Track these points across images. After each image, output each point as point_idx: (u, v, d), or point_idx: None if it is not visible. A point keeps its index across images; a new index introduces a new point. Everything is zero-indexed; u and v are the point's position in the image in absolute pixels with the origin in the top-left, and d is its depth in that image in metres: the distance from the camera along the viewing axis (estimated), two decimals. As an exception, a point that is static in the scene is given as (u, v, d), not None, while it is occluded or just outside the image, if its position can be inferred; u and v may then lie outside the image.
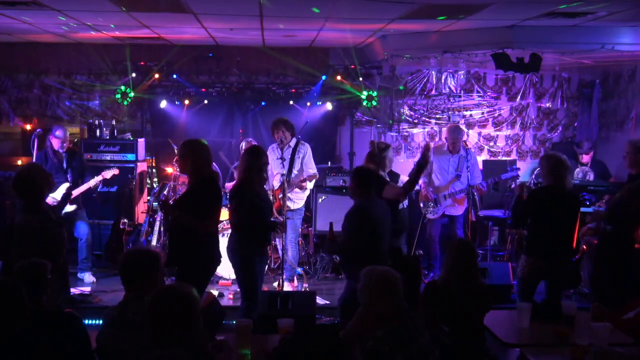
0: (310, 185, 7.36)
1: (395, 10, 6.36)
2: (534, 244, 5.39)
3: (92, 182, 7.19)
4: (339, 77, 8.98)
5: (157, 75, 8.93)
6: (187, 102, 9.13)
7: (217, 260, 5.13)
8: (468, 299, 4.09)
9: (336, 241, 5.29)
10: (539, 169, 5.84)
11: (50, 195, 6.73)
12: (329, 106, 9.18)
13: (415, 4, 6.01)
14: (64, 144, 7.22)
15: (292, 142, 7.22)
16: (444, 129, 9.76)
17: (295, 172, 7.19)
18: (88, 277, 7.34)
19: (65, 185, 7.07)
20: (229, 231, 7.12)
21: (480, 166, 8.68)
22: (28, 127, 9.37)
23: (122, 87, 8.85)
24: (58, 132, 7.21)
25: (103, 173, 7.30)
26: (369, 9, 6.42)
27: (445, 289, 4.18)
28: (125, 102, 8.99)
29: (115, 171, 7.43)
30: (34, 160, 7.13)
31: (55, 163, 7.18)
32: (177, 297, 2.78)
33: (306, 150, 7.30)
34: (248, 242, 5.23)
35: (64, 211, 6.67)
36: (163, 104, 9.20)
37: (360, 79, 8.96)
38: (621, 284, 5.84)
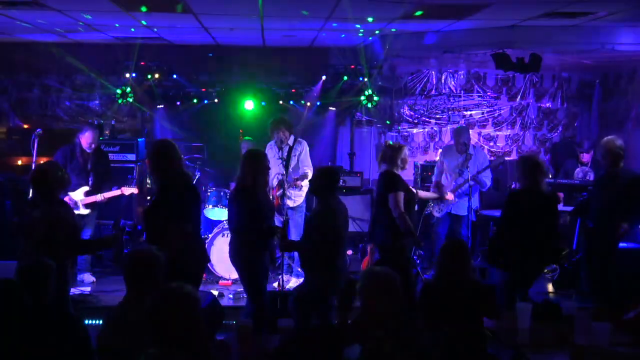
0: (305, 183, 7.34)
1: (395, 10, 6.36)
2: (513, 252, 5.29)
3: (108, 195, 7.14)
4: (345, 78, 8.94)
5: (157, 75, 8.92)
6: (186, 102, 9.14)
7: (204, 262, 5.12)
8: (461, 298, 4.06)
9: (287, 239, 5.36)
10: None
11: (70, 194, 6.78)
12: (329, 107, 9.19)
13: (415, 4, 6.01)
14: (93, 145, 7.18)
15: (290, 141, 7.22)
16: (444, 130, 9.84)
17: (290, 169, 7.19)
18: (88, 277, 7.33)
19: (85, 188, 7.03)
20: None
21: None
22: (27, 127, 9.38)
23: (122, 87, 8.85)
24: (88, 133, 7.14)
25: (123, 189, 7.24)
26: (370, 9, 6.42)
27: (437, 288, 4.17)
28: (125, 102, 8.98)
29: (135, 190, 7.36)
30: (34, 159, 7.09)
31: (80, 163, 7.14)
32: (178, 298, 2.78)
33: (303, 148, 7.29)
34: (248, 247, 5.19)
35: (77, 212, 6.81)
36: (163, 104, 9.19)
37: (363, 79, 8.96)
38: (611, 281, 5.87)
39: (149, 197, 8.35)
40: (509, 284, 5.34)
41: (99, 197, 7.05)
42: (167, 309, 2.73)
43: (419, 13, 6.16)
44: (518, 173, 5.43)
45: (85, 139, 7.10)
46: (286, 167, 7.09)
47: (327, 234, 4.99)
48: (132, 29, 7.79)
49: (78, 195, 6.93)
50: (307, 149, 7.33)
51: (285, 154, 7.14)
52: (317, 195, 5.27)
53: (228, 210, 5.43)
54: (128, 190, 7.25)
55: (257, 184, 5.18)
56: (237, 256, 5.26)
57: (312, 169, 7.27)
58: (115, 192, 7.17)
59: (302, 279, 7.18)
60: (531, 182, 5.25)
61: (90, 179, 7.14)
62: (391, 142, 6.48)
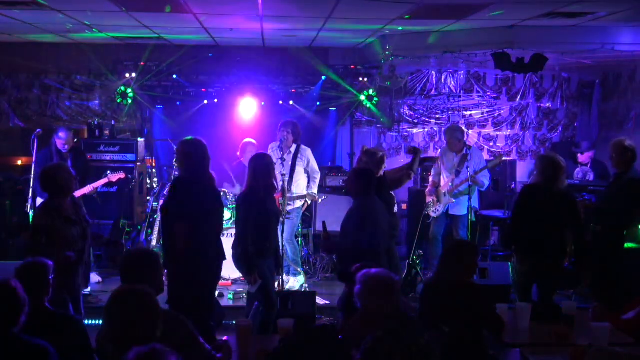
0: (314, 190, 7.37)
1: (395, 10, 6.37)
2: (524, 245, 5.35)
3: (96, 184, 7.13)
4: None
5: (156, 76, 8.92)
6: (186, 102, 9.14)
7: (220, 263, 5.02)
8: (460, 298, 4.03)
9: (331, 240, 5.28)
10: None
11: None
12: (329, 107, 9.19)
13: (415, 4, 6.01)
14: (66, 146, 7.22)
15: (293, 148, 7.20)
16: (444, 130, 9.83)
17: (298, 182, 7.19)
18: (94, 277, 7.34)
19: None
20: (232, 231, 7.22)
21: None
22: (28, 127, 9.37)
23: (122, 87, 8.85)
24: (61, 134, 7.20)
25: (110, 176, 7.24)
26: (370, 9, 6.42)
27: (437, 288, 4.15)
28: (125, 102, 8.98)
29: (121, 175, 7.34)
30: (34, 159, 7.10)
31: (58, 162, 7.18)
32: (136, 297, 2.76)
33: (308, 155, 7.28)
34: (251, 250, 5.10)
35: None
36: (163, 104, 9.19)
37: (361, 79, 8.96)
38: (615, 283, 5.86)
39: (148, 198, 8.36)
40: (521, 276, 5.35)
41: (87, 189, 7.04)
42: (126, 309, 2.70)
43: (407, 17, 6.15)
44: (535, 171, 5.44)
45: (60, 141, 7.17)
46: (290, 179, 7.07)
47: (362, 236, 4.92)
48: (132, 28, 7.78)
49: None
50: (312, 155, 7.35)
51: (287, 156, 7.10)
52: (354, 198, 5.22)
53: (236, 213, 5.36)
54: (115, 177, 7.23)
55: (266, 189, 5.15)
56: (237, 260, 5.20)
57: (319, 172, 7.33)
58: (103, 181, 7.16)
59: (299, 277, 7.20)
60: (545, 180, 5.28)
61: None
62: (365, 148, 6.46)
